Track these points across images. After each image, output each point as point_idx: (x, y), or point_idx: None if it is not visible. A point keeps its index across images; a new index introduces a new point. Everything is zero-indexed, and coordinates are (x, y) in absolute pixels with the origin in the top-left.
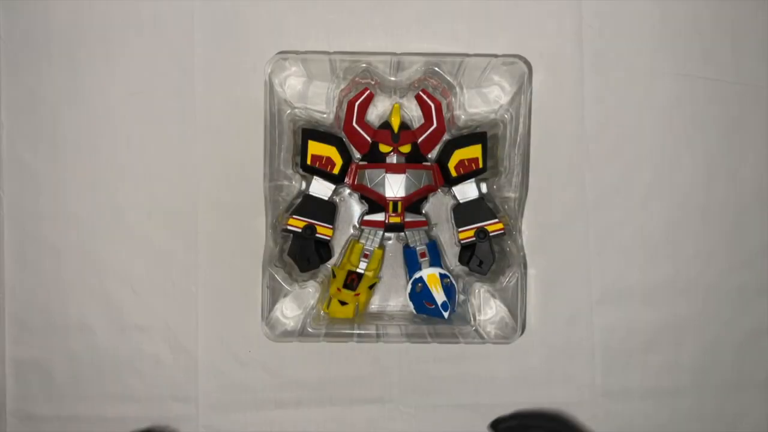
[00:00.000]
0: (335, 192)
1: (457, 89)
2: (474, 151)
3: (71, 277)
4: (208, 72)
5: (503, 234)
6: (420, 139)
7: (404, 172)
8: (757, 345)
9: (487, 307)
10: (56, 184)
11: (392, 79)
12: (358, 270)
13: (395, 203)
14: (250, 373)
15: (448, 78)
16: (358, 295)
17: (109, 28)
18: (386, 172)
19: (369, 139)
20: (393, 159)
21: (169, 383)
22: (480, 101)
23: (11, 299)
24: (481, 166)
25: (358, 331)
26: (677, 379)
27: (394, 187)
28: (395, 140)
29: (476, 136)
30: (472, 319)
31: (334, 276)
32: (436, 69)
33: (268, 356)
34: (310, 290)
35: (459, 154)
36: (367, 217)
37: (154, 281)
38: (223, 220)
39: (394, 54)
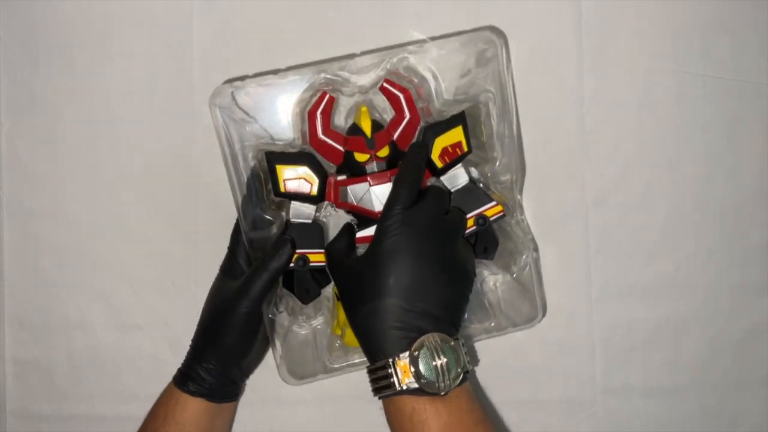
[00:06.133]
0: (317, 210)
1: (430, 76)
2: (455, 135)
3: (71, 277)
4: (207, 71)
5: (503, 216)
6: (396, 136)
7: (389, 180)
8: (757, 342)
9: (505, 296)
10: (56, 183)
11: (358, 84)
12: None
13: None
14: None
15: (419, 68)
16: None
17: (108, 27)
18: (371, 185)
19: (341, 148)
20: (373, 166)
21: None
22: (455, 84)
23: (11, 299)
24: (466, 149)
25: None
26: (677, 377)
27: (382, 198)
28: (371, 146)
29: (454, 118)
30: (491, 310)
31: (338, 299)
32: (407, 57)
33: (268, 355)
34: (319, 326)
35: (441, 142)
36: (359, 234)
37: (154, 280)
38: (223, 219)
39: (353, 55)
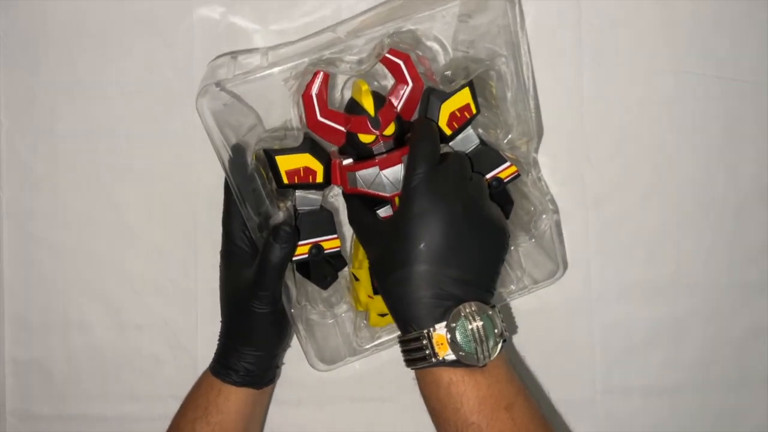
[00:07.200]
0: (324, 195)
1: (437, 46)
2: (463, 98)
3: (70, 277)
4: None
5: (518, 176)
6: (399, 106)
7: (400, 161)
8: (758, 342)
9: (526, 257)
10: (55, 183)
11: (355, 60)
12: None
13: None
14: None
15: (423, 40)
16: None
17: (107, 27)
18: (380, 170)
19: (344, 129)
20: (381, 147)
21: (168, 382)
22: (459, 35)
23: (10, 298)
24: (475, 111)
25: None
26: (678, 377)
27: (393, 181)
28: (376, 126)
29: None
30: (513, 273)
31: (356, 279)
32: (412, 29)
33: None
34: (344, 312)
35: (447, 107)
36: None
37: (154, 280)
38: None
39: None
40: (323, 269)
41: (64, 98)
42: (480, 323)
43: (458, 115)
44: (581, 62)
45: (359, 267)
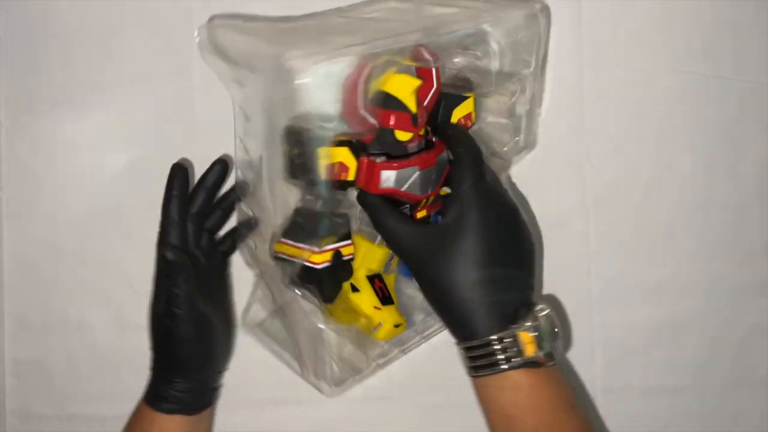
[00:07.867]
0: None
1: (497, 47)
2: (467, 107)
3: (70, 276)
4: (207, 71)
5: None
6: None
7: (434, 162)
8: (758, 342)
9: None
10: (56, 183)
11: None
12: (380, 272)
13: (427, 198)
14: (250, 372)
15: (490, 41)
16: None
17: (108, 27)
18: (419, 169)
19: (380, 125)
20: (415, 146)
21: None
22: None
23: (11, 298)
24: (474, 120)
25: (406, 346)
26: (678, 377)
27: (426, 182)
28: (416, 124)
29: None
30: None
31: (355, 290)
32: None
33: (268, 355)
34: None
35: (458, 113)
36: None
37: None
38: None
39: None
40: (333, 280)
41: (65, 98)
42: (553, 322)
43: (463, 121)
44: (582, 62)
45: (357, 278)
